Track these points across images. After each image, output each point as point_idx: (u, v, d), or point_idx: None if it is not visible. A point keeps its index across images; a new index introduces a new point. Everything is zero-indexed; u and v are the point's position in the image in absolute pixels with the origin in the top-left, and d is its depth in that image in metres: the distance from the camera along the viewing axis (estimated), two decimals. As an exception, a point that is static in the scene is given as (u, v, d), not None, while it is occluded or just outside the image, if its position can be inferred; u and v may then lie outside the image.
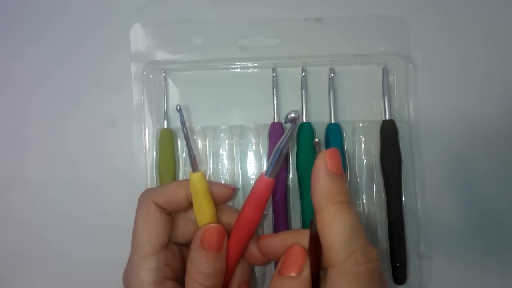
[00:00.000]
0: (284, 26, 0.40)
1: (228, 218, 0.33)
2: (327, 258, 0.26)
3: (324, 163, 0.27)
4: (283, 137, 0.29)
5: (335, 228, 0.26)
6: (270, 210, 0.38)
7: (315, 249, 0.28)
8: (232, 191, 0.34)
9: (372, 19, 0.41)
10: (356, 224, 0.26)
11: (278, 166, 0.30)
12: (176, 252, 0.33)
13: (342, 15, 0.41)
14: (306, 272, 0.28)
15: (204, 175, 0.31)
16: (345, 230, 0.26)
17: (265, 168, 0.39)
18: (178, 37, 0.40)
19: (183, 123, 0.31)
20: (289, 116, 0.28)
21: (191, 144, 0.31)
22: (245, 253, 0.33)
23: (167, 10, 0.41)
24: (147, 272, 0.30)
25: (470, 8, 0.42)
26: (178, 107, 0.31)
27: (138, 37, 0.40)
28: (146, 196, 0.32)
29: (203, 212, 0.32)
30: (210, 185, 0.32)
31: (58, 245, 0.40)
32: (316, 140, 0.27)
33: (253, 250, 0.33)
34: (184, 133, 0.31)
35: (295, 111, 0.28)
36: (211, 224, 0.31)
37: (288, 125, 0.29)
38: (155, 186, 0.39)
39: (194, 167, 0.31)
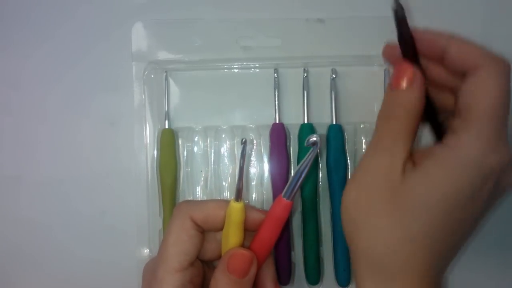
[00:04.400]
0: (286, 26, 0.40)
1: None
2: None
3: None
4: (303, 160, 0.29)
5: None
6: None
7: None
8: None
9: (374, 20, 0.40)
10: None
11: (297, 189, 0.29)
12: (200, 269, 0.32)
13: (344, 16, 0.41)
14: None
15: (244, 207, 0.30)
16: None
17: (267, 171, 0.39)
18: (180, 37, 0.40)
19: (243, 155, 0.30)
20: (311, 140, 0.28)
21: (243, 176, 0.30)
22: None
23: (169, 10, 0.41)
24: None
25: (471, 9, 0.41)
26: (244, 140, 0.30)
27: (140, 37, 0.40)
28: (184, 210, 0.31)
29: (228, 241, 0.31)
30: (247, 209, 0.31)
31: (58, 245, 0.40)
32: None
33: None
34: (240, 165, 0.30)
35: (317, 135, 0.28)
36: (241, 250, 0.30)
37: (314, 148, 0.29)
38: (156, 185, 0.39)
39: (238, 197, 0.30)
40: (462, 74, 0.26)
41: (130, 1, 0.41)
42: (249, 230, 0.32)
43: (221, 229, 0.31)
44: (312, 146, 0.28)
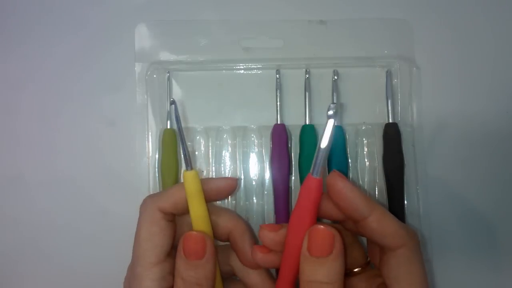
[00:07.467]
0: (288, 28, 0.40)
1: (227, 222, 0.32)
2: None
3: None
4: (321, 135, 0.27)
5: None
6: (272, 213, 0.38)
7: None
8: (233, 181, 0.32)
9: (377, 22, 0.41)
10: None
11: (322, 164, 0.27)
12: None
13: (347, 18, 0.41)
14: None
15: (198, 174, 0.30)
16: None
17: (268, 172, 0.39)
18: (183, 37, 0.40)
19: (177, 117, 0.30)
20: (328, 113, 0.26)
21: (185, 140, 0.30)
22: None
23: (171, 11, 0.41)
24: (151, 282, 0.29)
25: (474, 11, 0.42)
26: (172, 99, 0.30)
27: (143, 37, 0.40)
28: (150, 203, 0.31)
29: (192, 214, 0.31)
30: (207, 182, 0.31)
31: (58, 245, 0.40)
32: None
33: None
34: (178, 128, 0.30)
35: (334, 103, 0.26)
36: (190, 231, 0.30)
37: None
38: (157, 185, 0.39)
39: (188, 164, 0.30)
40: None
41: (133, 2, 0.42)
42: (219, 199, 0.32)
43: None
44: (328, 119, 0.26)
